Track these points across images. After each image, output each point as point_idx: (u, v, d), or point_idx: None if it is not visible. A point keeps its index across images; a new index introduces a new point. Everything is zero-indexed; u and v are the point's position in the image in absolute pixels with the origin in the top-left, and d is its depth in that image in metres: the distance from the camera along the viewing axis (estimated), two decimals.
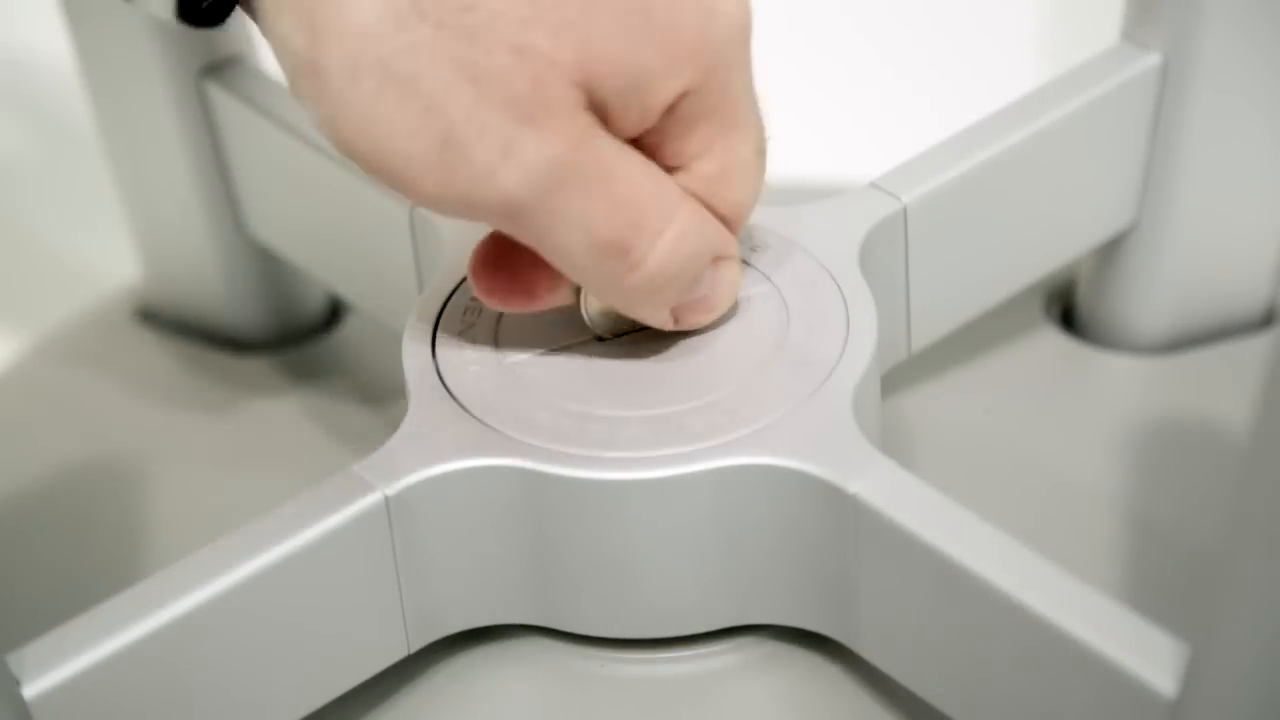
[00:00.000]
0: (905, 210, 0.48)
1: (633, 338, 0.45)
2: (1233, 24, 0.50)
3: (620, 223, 0.41)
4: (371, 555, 0.42)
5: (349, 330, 0.60)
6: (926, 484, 0.41)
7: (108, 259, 0.71)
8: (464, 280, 0.47)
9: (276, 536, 0.41)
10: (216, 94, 0.55)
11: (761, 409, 0.43)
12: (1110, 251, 0.54)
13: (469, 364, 0.44)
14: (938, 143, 0.50)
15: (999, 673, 0.40)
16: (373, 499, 0.42)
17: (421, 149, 0.39)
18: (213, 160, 0.56)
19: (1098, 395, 0.55)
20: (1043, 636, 0.38)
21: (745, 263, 0.47)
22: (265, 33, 0.40)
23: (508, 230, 0.41)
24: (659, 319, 0.44)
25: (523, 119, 0.39)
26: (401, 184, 0.40)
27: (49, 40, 0.73)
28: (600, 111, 0.40)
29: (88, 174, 0.75)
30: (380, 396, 0.56)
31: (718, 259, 0.43)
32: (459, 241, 0.48)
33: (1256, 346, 0.55)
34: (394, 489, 0.42)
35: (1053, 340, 0.56)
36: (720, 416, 0.43)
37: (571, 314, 0.45)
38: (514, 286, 0.44)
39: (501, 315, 0.46)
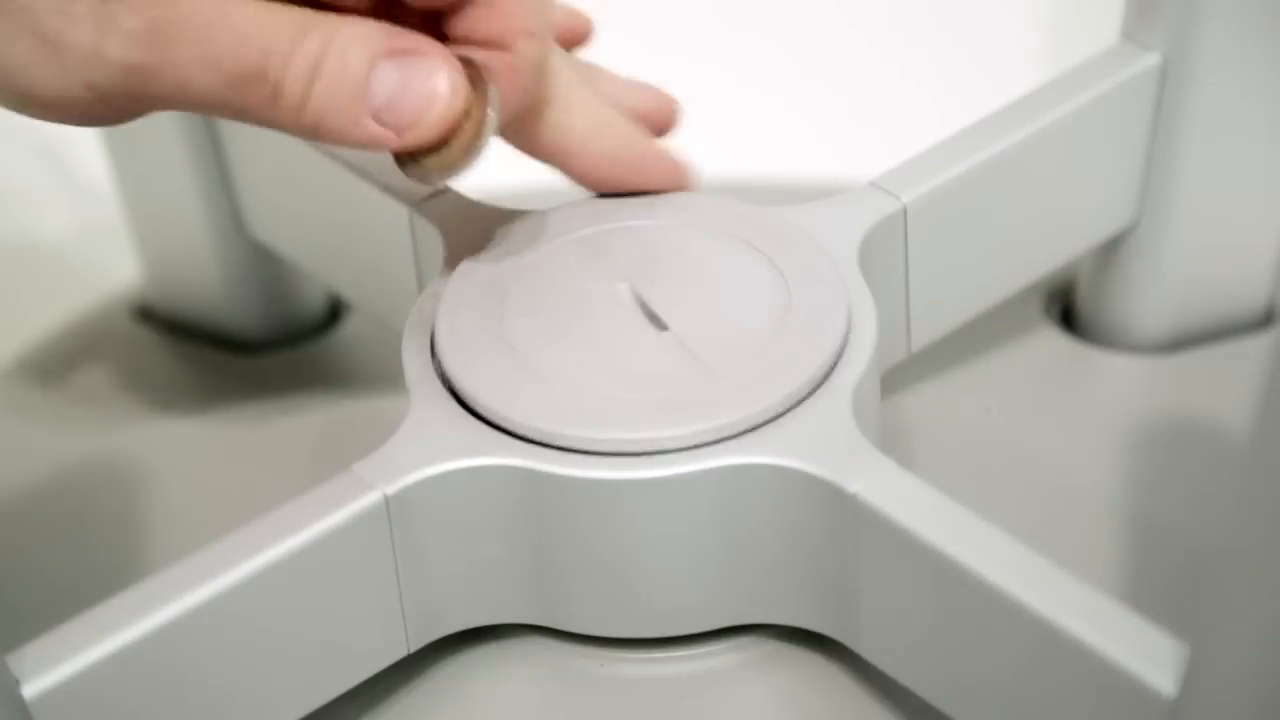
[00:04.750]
0: (905, 210, 0.48)
1: (631, 336, 0.45)
2: (1233, 24, 0.50)
3: (247, 52, 0.40)
4: (371, 555, 0.42)
5: (349, 330, 0.60)
6: (926, 484, 0.41)
7: (108, 259, 0.70)
8: (464, 279, 0.47)
9: (276, 536, 0.41)
10: None
11: (760, 408, 0.43)
12: (1110, 251, 0.54)
13: (469, 363, 0.44)
14: (938, 142, 0.50)
15: (999, 673, 0.40)
16: (372, 499, 0.42)
17: (24, 51, 0.39)
18: (213, 160, 0.56)
19: (1098, 395, 0.55)
20: (1043, 636, 0.38)
21: (745, 243, 0.47)
22: None
23: (151, 100, 0.41)
24: (360, 137, 0.42)
25: None
26: (26, 97, 0.40)
27: None
28: None
29: (88, 173, 0.75)
30: (380, 396, 0.56)
31: (394, 53, 0.42)
32: (459, 241, 0.48)
33: (1256, 346, 0.55)
34: (394, 489, 0.42)
35: (1053, 340, 0.56)
36: (717, 415, 0.43)
37: (573, 318, 0.45)
38: None
39: (502, 314, 0.46)
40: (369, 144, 0.42)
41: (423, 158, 0.43)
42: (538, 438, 0.43)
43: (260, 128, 0.42)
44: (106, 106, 0.41)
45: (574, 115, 0.47)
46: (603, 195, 0.48)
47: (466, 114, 0.43)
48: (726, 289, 0.46)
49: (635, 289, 0.46)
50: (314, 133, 0.42)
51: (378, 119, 0.42)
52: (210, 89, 0.41)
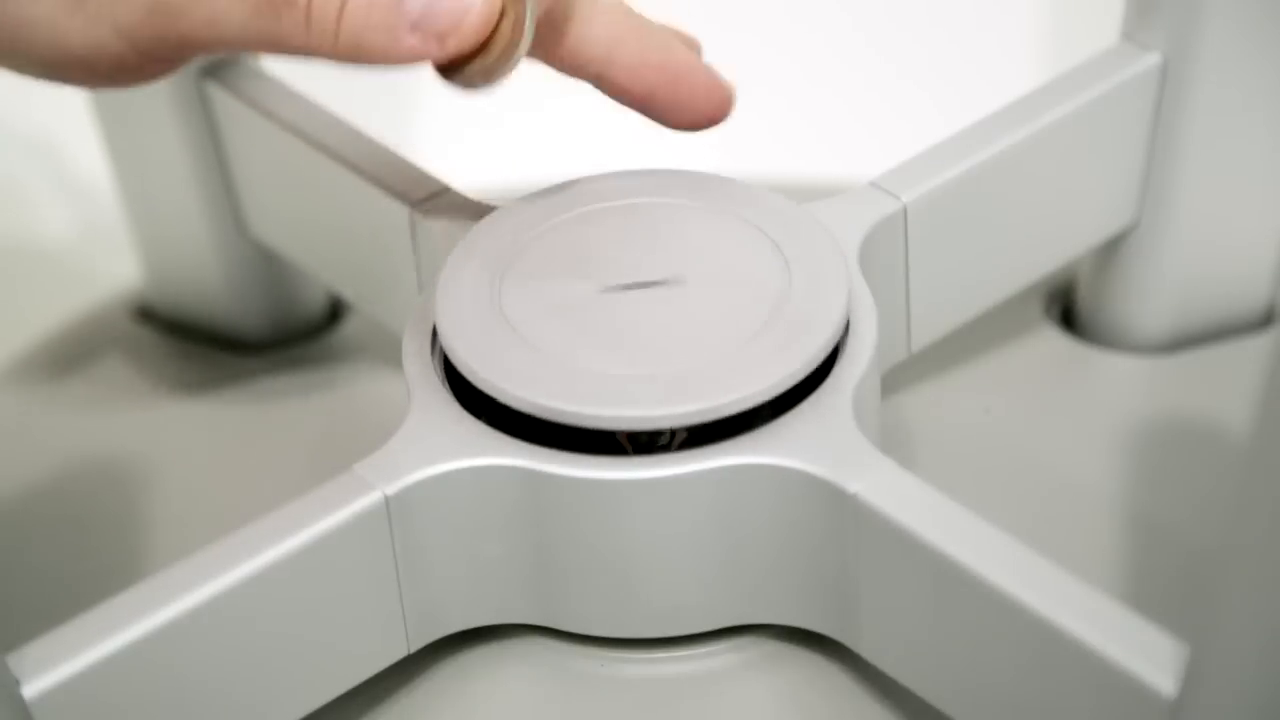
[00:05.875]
0: (905, 210, 0.48)
1: (628, 334, 0.45)
2: (1233, 24, 0.50)
3: None
4: (371, 555, 0.42)
5: (349, 330, 0.60)
6: (926, 484, 0.41)
7: (108, 259, 0.70)
8: (462, 264, 0.46)
9: (276, 536, 0.41)
10: (216, 94, 0.55)
11: (759, 388, 0.42)
12: (1110, 251, 0.54)
13: (468, 344, 0.44)
14: (938, 142, 0.50)
15: (999, 673, 0.40)
16: (373, 499, 0.42)
17: (48, 1, 0.39)
18: (213, 160, 0.56)
19: (1098, 395, 0.55)
20: (1043, 636, 0.38)
21: (756, 230, 0.46)
22: None
23: (181, 40, 0.41)
24: (402, 54, 0.42)
25: None
26: (54, 52, 0.40)
27: None
28: None
29: (88, 173, 0.75)
30: (380, 396, 0.56)
31: None
32: (459, 242, 0.48)
33: (1256, 346, 0.55)
34: (394, 489, 0.42)
35: (1053, 340, 0.56)
36: (714, 395, 0.42)
37: (572, 323, 0.45)
38: None
39: (501, 296, 0.45)
40: (412, 59, 0.42)
41: (463, 64, 0.43)
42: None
43: (299, 59, 0.41)
44: (137, 55, 0.40)
45: (598, 24, 0.46)
46: (602, 177, 0.48)
47: (503, 13, 0.42)
48: (727, 273, 0.45)
49: (635, 269, 0.45)
50: (354, 55, 0.41)
51: (416, 31, 0.41)
52: (239, 19, 0.40)
